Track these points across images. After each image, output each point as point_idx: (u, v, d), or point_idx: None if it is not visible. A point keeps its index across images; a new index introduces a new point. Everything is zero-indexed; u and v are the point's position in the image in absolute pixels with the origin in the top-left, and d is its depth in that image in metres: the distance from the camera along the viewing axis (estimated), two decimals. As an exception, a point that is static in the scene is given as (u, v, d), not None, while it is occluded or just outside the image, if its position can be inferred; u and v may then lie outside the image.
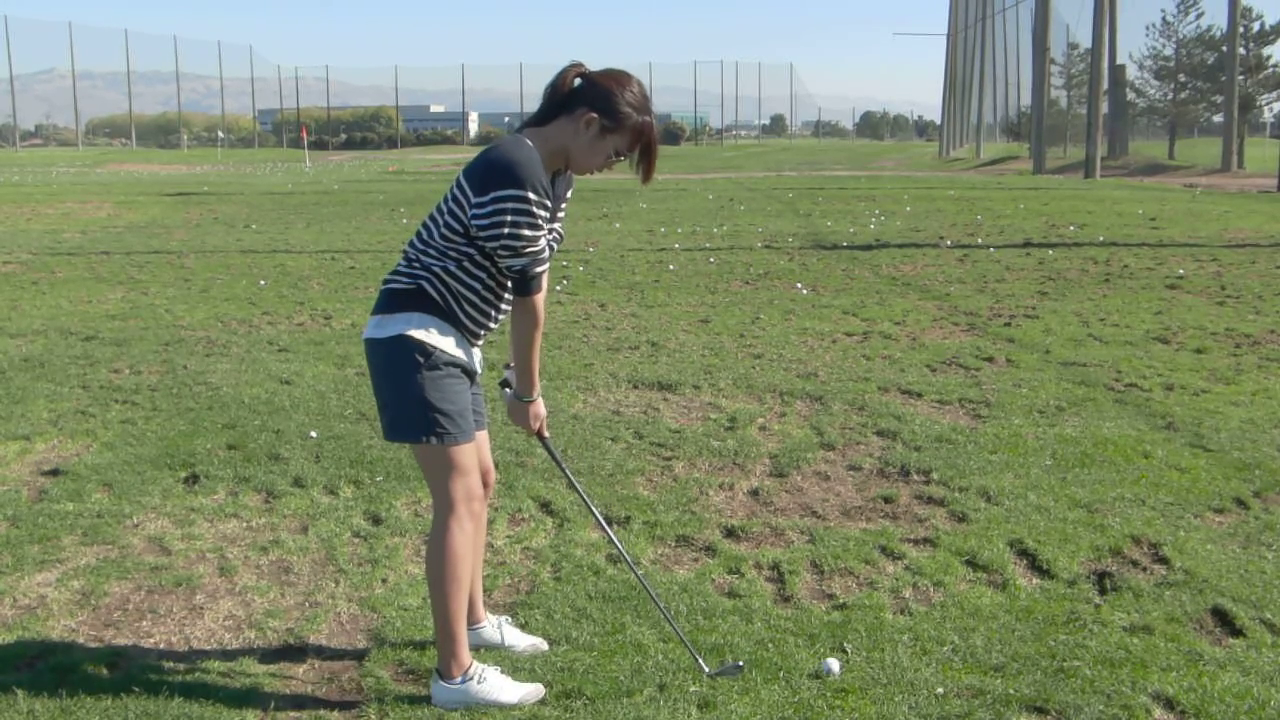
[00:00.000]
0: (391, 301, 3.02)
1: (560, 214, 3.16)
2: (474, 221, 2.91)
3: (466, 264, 2.99)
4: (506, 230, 2.88)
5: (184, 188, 28.35)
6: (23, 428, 5.75)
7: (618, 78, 2.99)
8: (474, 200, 2.90)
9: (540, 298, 3.01)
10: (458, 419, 3.00)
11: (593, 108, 2.94)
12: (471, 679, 3.07)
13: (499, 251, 2.92)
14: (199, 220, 18.53)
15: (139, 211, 20.40)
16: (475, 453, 3.10)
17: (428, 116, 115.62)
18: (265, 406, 6.15)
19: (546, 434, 3.30)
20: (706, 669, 3.19)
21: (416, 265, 3.02)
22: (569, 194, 3.18)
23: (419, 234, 3.06)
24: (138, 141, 77.64)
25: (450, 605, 3.05)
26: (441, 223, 2.99)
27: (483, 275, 3.01)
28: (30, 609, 3.70)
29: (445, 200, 3.00)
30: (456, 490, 3.04)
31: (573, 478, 3.41)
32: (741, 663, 3.22)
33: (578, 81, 2.99)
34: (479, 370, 3.18)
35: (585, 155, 2.99)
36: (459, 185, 2.96)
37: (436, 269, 2.99)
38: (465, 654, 3.10)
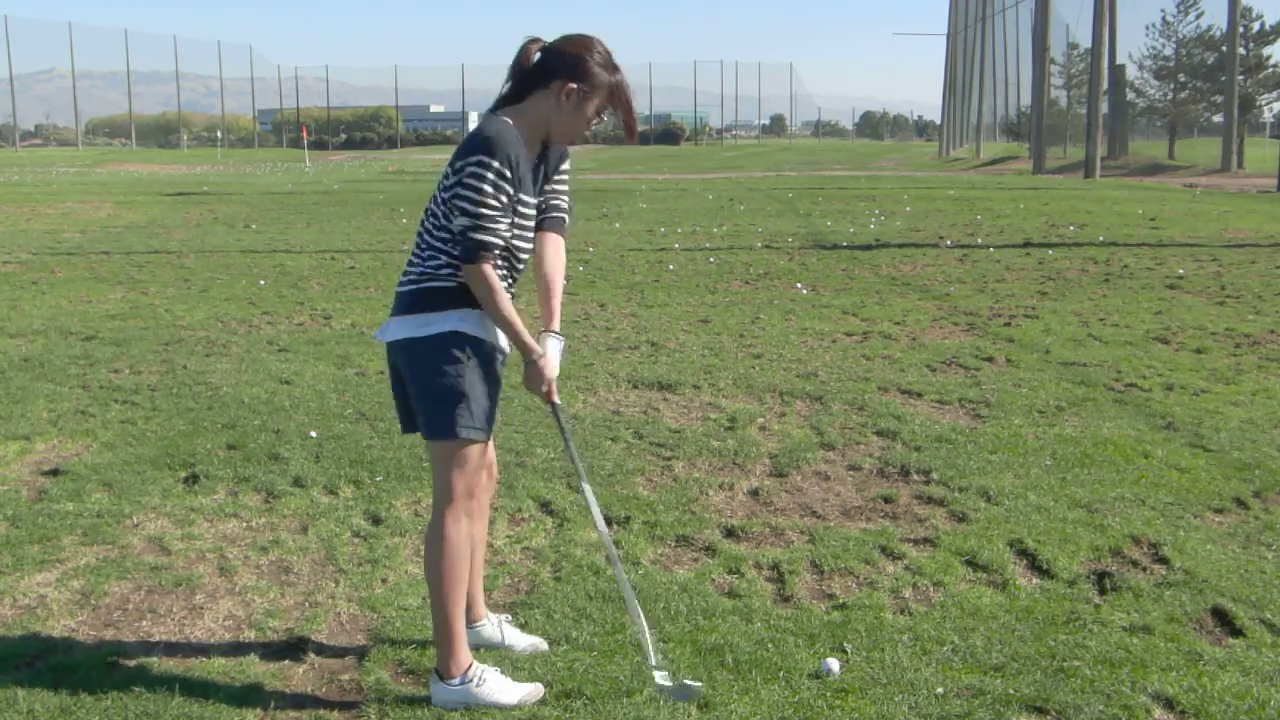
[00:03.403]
0: (431, 299, 3.00)
1: (562, 185, 3.17)
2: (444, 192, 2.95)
3: None
4: (461, 190, 2.89)
5: (184, 188, 28.35)
6: (23, 428, 5.75)
7: (582, 42, 3.01)
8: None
9: (485, 269, 2.94)
10: (485, 418, 3.04)
11: (568, 77, 2.96)
12: (471, 680, 3.06)
13: (452, 211, 2.93)
14: (199, 220, 18.53)
15: (139, 211, 20.40)
16: (484, 451, 3.12)
17: (428, 116, 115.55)
18: (265, 406, 6.15)
19: (556, 399, 3.17)
20: (659, 677, 3.06)
21: (443, 260, 3.01)
22: (566, 165, 3.18)
23: (429, 229, 3.05)
24: (138, 141, 77.60)
25: (449, 603, 3.05)
26: (442, 214, 3.01)
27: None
28: (30, 609, 3.70)
29: (438, 193, 3.03)
30: (459, 486, 3.04)
31: (575, 452, 3.27)
32: (700, 685, 3.06)
33: (539, 55, 3.01)
34: (508, 352, 3.17)
35: (568, 124, 3.01)
36: (445, 176, 2.99)
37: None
38: (465, 653, 3.10)
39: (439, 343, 2.99)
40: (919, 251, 13.49)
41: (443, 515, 3.05)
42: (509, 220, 2.98)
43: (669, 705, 3.03)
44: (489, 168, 2.87)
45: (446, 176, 2.98)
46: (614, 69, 3.00)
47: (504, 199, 2.92)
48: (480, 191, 2.89)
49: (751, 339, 8.15)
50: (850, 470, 5.12)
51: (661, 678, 3.07)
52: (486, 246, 2.93)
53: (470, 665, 3.09)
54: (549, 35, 3.08)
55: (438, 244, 3.02)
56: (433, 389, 3.00)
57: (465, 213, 2.91)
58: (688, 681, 3.07)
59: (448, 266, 3.00)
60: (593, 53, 2.98)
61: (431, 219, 3.06)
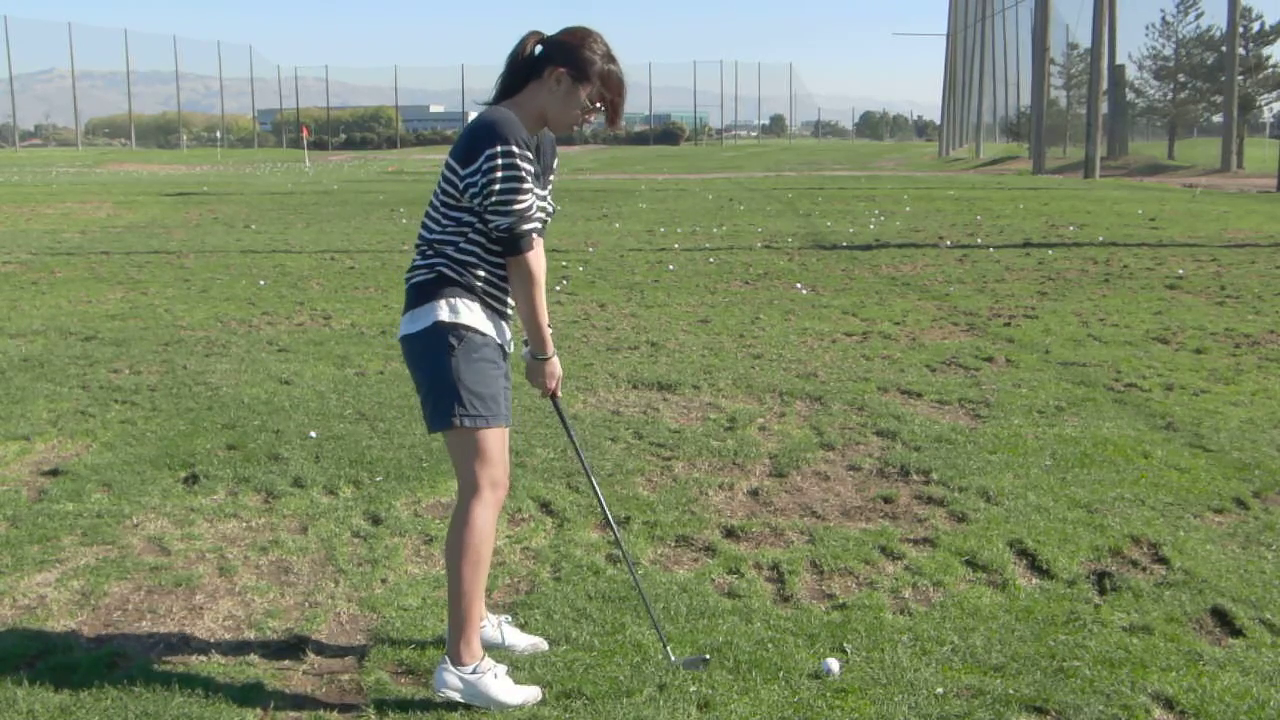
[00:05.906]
0: (420, 294, 3.06)
1: (549, 186, 3.21)
2: (467, 190, 2.96)
3: (471, 234, 3.03)
4: (497, 186, 2.92)
5: (184, 188, 28.35)
6: (23, 428, 5.75)
7: (579, 33, 3.06)
8: (464, 172, 2.95)
9: (533, 256, 3.03)
10: (489, 402, 3.05)
11: (559, 64, 3.00)
12: (484, 672, 3.05)
13: (488, 212, 2.95)
14: (199, 220, 18.53)
15: (139, 211, 20.40)
16: (503, 440, 3.13)
17: (427, 116, 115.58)
18: (265, 406, 6.15)
19: (559, 395, 3.30)
20: (673, 658, 3.25)
21: (430, 253, 3.07)
22: (555, 164, 3.24)
23: (425, 225, 3.11)
24: (137, 141, 77.64)
25: (470, 587, 3.05)
26: (438, 204, 3.06)
27: (484, 241, 3.05)
28: (30, 609, 3.70)
29: (439, 185, 3.06)
30: (483, 476, 3.06)
31: (580, 449, 3.46)
32: (707, 656, 3.27)
33: (539, 49, 3.05)
34: (510, 346, 3.19)
35: (560, 110, 3.04)
36: (448, 166, 3.01)
37: (449, 251, 3.04)
38: (478, 642, 3.10)
39: (427, 335, 3.03)
40: (919, 252, 13.49)
41: (469, 502, 3.06)
42: (540, 195, 3.07)
43: (669, 705, 3.03)
44: (511, 154, 2.91)
45: (451, 169, 2.99)
46: (610, 59, 3.05)
47: (528, 178, 2.96)
48: (514, 180, 2.92)
49: (751, 339, 8.15)
50: (850, 470, 5.12)
51: (676, 659, 3.25)
52: (530, 233, 3.00)
53: (483, 657, 3.09)
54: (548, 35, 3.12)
55: (428, 236, 3.07)
56: (425, 381, 3.05)
57: (505, 210, 2.95)
58: (702, 656, 3.27)
59: (432, 259, 3.05)
60: (588, 41, 3.03)
61: (429, 218, 3.10)
